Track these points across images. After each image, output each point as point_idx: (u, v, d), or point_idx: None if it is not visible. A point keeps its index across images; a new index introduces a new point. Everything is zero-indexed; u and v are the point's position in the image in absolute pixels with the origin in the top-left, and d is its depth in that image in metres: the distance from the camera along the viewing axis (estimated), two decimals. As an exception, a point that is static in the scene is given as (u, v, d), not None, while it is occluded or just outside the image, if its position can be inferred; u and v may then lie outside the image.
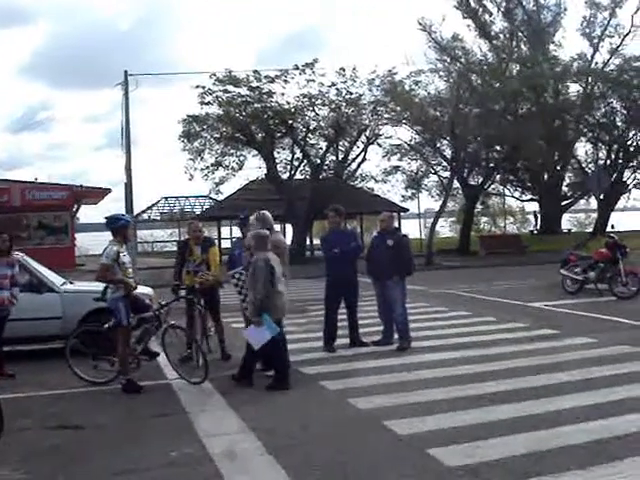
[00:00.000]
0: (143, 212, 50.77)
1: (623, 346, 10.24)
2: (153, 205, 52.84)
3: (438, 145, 35.06)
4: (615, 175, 38.76)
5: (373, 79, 33.12)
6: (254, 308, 8.50)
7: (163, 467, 5.86)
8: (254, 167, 35.55)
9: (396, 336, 10.99)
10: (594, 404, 7.18)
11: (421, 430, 6.52)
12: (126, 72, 27.04)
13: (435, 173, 36.87)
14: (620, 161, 40.02)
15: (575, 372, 8.69)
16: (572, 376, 8.48)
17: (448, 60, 38.15)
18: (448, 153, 35.21)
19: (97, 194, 35.13)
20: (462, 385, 8.20)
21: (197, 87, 32.23)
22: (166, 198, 53.41)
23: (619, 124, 39.91)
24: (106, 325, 8.92)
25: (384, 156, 36.43)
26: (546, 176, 43.39)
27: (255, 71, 32.86)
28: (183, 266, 10.65)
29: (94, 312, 10.26)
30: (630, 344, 10.34)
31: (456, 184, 36.55)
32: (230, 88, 32.26)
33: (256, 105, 32.28)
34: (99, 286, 9.10)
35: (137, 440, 6.63)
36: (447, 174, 35.49)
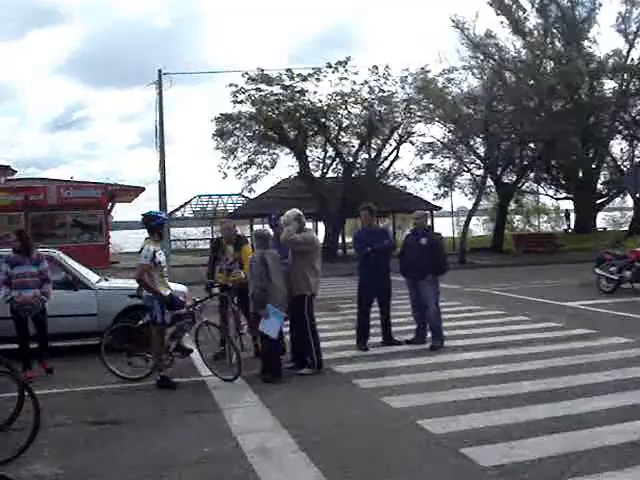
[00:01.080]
0: (176, 210, 51.09)
1: (660, 346, 10.11)
2: (187, 203, 53.15)
3: (471, 143, 34.83)
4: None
5: (406, 77, 33.06)
6: (256, 301, 8.93)
7: (197, 463, 5.90)
8: (287, 165, 35.76)
9: (429, 335, 10.95)
10: (631, 405, 7.09)
11: (455, 429, 6.49)
12: (160, 71, 27.25)
13: (468, 171, 36.65)
14: (657, 158, 39.47)
15: (611, 372, 8.58)
16: (608, 376, 8.38)
17: (481, 57, 37.83)
18: (481, 151, 34.99)
19: (131, 192, 35.40)
20: (496, 384, 8.15)
21: (230, 86, 32.46)
22: (199, 196, 53.69)
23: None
24: (140, 322, 9.01)
25: (416, 154, 36.38)
26: (580, 174, 42.89)
27: (288, 69, 33.04)
28: (216, 264, 10.72)
29: (129, 309, 10.36)
30: (668, 344, 10.20)
31: (489, 182, 36.30)
32: (263, 87, 32.40)
33: (288, 103, 32.37)
34: (134, 283, 9.18)
35: (171, 436, 6.69)
36: (480, 172, 35.26)
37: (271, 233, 9.84)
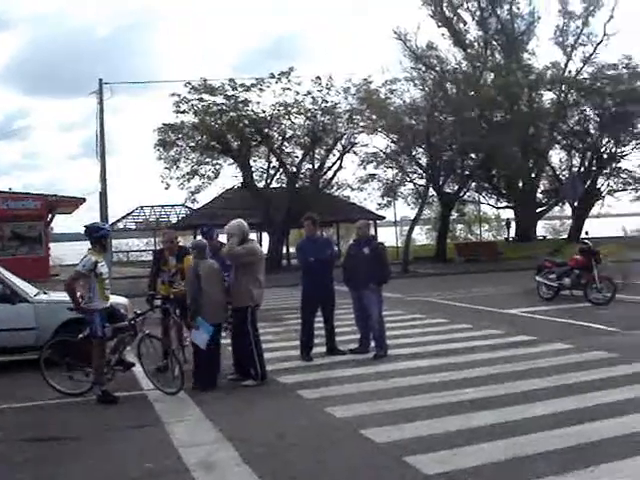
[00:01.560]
0: (118, 221, 50.44)
1: (598, 352, 10.31)
2: (129, 214, 52.52)
3: (414, 153, 35.15)
4: (589, 182, 39.16)
5: (349, 87, 33.26)
6: (190, 312, 9.03)
7: (140, 479, 5.79)
8: (230, 176, 35.55)
9: (373, 344, 10.98)
10: (570, 410, 7.21)
11: (399, 438, 6.51)
12: (101, 80, 26.95)
13: (411, 181, 36.99)
14: (594, 168, 40.43)
15: (551, 378, 8.73)
16: (549, 382, 8.52)
17: (423, 68, 38.37)
18: (423, 161, 35.33)
19: (72, 203, 34.81)
20: (439, 392, 8.21)
21: (172, 95, 32.21)
22: (142, 207, 53.12)
23: (592, 131, 40.35)
24: (80, 335, 8.83)
25: (360, 164, 36.52)
26: (521, 183, 43.70)
27: (231, 80, 32.92)
28: (158, 276, 10.59)
29: (69, 322, 10.15)
30: (605, 350, 10.41)
31: (432, 192, 36.68)
32: (206, 97, 32.24)
33: (232, 114, 32.26)
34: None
35: (114, 452, 6.55)
36: (423, 182, 35.63)
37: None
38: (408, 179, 36.83)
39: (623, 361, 9.58)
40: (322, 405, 7.88)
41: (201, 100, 32.26)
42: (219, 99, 32.34)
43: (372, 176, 36.89)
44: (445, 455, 5.96)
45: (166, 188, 34.59)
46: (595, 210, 42.88)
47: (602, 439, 6.20)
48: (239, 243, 9.29)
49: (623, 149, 40.41)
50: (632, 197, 41.98)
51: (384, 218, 39.80)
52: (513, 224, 48.19)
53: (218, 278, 9.20)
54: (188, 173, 34.24)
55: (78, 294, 8.71)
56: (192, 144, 33.71)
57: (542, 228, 52.51)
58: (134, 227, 53.22)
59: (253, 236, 12.37)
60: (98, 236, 8.81)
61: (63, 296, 11.01)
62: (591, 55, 41.68)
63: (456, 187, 38.12)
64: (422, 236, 51.38)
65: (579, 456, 5.79)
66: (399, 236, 40.24)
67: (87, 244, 8.91)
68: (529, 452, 5.92)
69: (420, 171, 35.87)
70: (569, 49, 42.22)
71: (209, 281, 9.02)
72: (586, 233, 23.87)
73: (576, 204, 34.34)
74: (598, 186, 40.89)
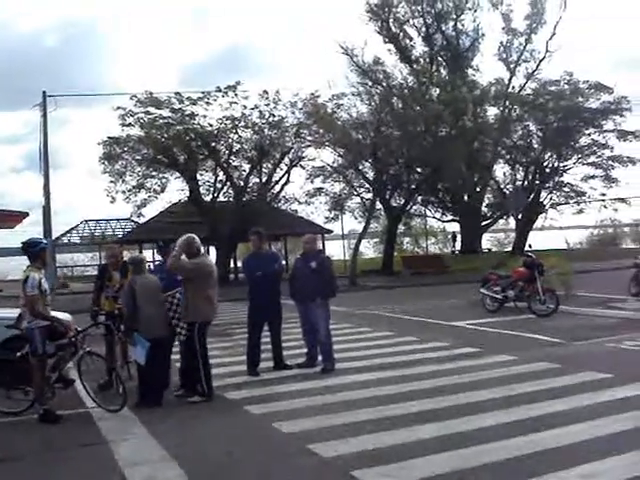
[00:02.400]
0: (63, 235, 49.56)
1: (542, 363, 10.47)
2: (73, 228, 51.68)
3: (360, 167, 35.35)
4: (532, 195, 39.92)
5: (296, 102, 33.28)
6: (125, 328, 8.98)
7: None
8: (177, 189, 35.18)
9: (320, 358, 10.96)
10: (515, 421, 7.30)
11: (345, 452, 6.49)
12: (44, 92, 26.59)
13: (358, 195, 37.20)
14: (537, 182, 41.25)
15: (496, 389, 8.82)
16: (494, 393, 8.60)
17: (370, 83, 38.62)
18: (370, 175, 35.54)
19: (14, 218, 33.97)
20: (386, 405, 8.22)
21: (118, 109, 31.84)
22: (87, 221, 52.35)
23: (535, 146, 41.23)
24: (19, 353, 8.59)
25: (307, 178, 36.65)
26: (466, 197, 44.28)
27: (177, 93, 32.67)
28: (102, 291, 10.41)
29: (8, 340, 9.86)
30: (549, 360, 10.58)
31: (379, 205, 36.94)
32: (151, 110, 31.92)
33: (178, 127, 32.00)
34: (12, 313, 8.79)
35: (56, 473, 6.41)
36: (370, 196, 35.82)
37: (155, 260, 9.70)
38: (355, 193, 37.06)
39: (567, 372, 9.74)
40: (269, 420, 7.82)
41: (147, 113, 31.94)
42: (165, 112, 32.07)
43: (319, 190, 37.03)
44: (392, 468, 5.96)
45: (111, 202, 34.07)
46: (538, 223, 43.77)
47: (546, 449, 6.28)
48: (189, 257, 9.20)
49: (565, 163, 41.37)
50: (574, 210, 42.93)
51: (332, 232, 39.86)
52: (459, 237, 48.76)
53: (155, 293, 9.07)
54: (134, 187, 33.80)
55: (18, 311, 8.51)
56: (138, 157, 33.32)
57: (487, 241, 53.22)
58: (79, 241, 52.38)
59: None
60: (37, 251, 8.60)
61: (1, 313, 10.73)
62: (534, 71, 42.55)
63: (403, 201, 38.43)
64: (370, 249, 51.61)
65: (524, 467, 5.85)
66: (347, 250, 40.33)
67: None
68: (474, 464, 5.96)
69: (367, 185, 36.07)
70: (513, 65, 43.01)
71: (145, 296, 8.91)
72: (529, 246, 24.22)
73: (520, 217, 34.94)
74: (541, 199, 41.70)
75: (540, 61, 42.61)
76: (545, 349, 11.91)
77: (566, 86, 38.88)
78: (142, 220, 37.84)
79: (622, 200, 41.98)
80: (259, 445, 7.03)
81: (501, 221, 47.64)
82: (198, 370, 9.06)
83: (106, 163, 33.31)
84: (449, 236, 52.46)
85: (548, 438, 6.60)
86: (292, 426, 7.51)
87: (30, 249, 8.59)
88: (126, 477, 6.11)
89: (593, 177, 41.02)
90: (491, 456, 6.13)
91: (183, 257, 9.24)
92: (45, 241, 9.54)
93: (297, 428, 7.43)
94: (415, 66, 42.15)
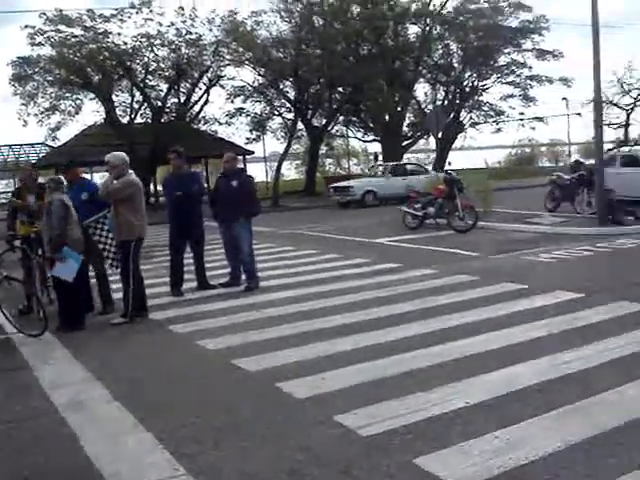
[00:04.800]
0: (-28, 163, 47.65)
1: (460, 275, 10.76)
2: (-18, 155, 49.65)
3: (281, 87, 34.95)
4: (452, 115, 40.23)
5: (213, 19, 32.41)
6: (53, 245, 8.59)
7: (8, 422, 5.60)
8: (92, 111, 34.17)
9: (244, 277, 10.98)
10: (434, 331, 7.50)
11: (270, 366, 6.57)
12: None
13: (279, 115, 36.86)
14: (457, 101, 41.54)
15: (417, 301, 9.04)
16: (413, 306, 8.81)
17: (290, 1, 37.84)
18: (292, 95, 35.20)
19: None
20: (309, 320, 8.33)
21: (26, 27, 30.41)
22: (-1, 146, 50.31)
23: (456, 65, 41.34)
24: None
25: (227, 98, 36.04)
26: (387, 117, 44.30)
27: (89, 10, 31.41)
28: (17, 215, 10.10)
29: None
30: (467, 273, 10.89)
31: (300, 126, 36.72)
32: (62, 28, 30.61)
33: (91, 46, 30.81)
34: None
35: (-24, 397, 6.30)
36: (291, 116, 35.53)
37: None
38: (276, 113, 36.68)
39: (483, 283, 10.05)
40: (194, 339, 7.84)
41: (58, 32, 30.63)
42: (77, 31, 30.80)
43: (240, 110, 36.50)
44: (314, 380, 6.07)
45: (24, 125, 32.93)
46: (458, 143, 44.30)
47: (465, 356, 6.50)
48: (115, 177, 9.00)
49: (485, 82, 41.73)
50: (493, 129, 43.58)
51: (253, 153, 39.51)
52: (380, 157, 48.98)
53: (69, 212, 8.80)
54: (47, 109, 32.62)
55: None
56: (50, 78, 32.04)
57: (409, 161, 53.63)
58: (-11, 168, 50.41)
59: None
60: None
61: None
62: (454, -11, 42.26)
63: (324, 121, 38.26)
64: (292, 171, 51.52)
65: (442, 373, 6.04)
66: (269, 171, 40.14)
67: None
68: (395, 372, 6.12)
69: (288, 105, 35.75)
70: (433, -17, 42.61)
71: (70, 215, 8.69)
72: (449, 164, 24.60)
73: (440, 136, 35.26)
74: (461, 119, 42.11)
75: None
76: (464, 263, 12.21)
77: (486, 4, 38.89)
78: (57, 144, 36.69)
79: (539, 119, 42.84)
80: (184, 363, 7.05)
81: (422, 141, 47.97)
82: (127, 292, 8.96)
83: (16, 85, 31.99)
84: (371, 156, 52.65)
85: (464, 346, 6.81)
86: (217, 343, 7.56)
87: None
88: (50, 399, 6.05)
89: (512, 96, 41.63)
90: (411, 364, 6.30)
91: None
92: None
93: (222, 345, 7.47)
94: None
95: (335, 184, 30.58)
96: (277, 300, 9.72)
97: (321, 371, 6.26)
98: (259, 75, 34.73)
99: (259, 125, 36.64)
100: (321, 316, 8.51)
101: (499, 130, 43.42)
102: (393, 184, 27.56)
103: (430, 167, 34.85)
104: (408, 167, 31.31)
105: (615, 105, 47.93)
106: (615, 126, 48.92)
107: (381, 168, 31.06)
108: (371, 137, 47.74)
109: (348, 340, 7.30)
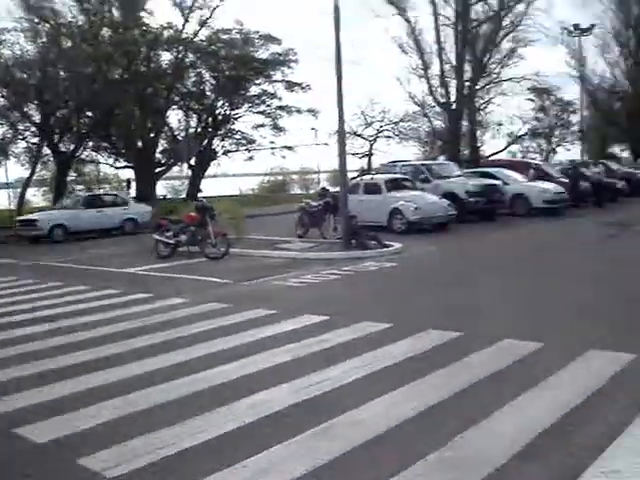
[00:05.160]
0: None
1: (213, 303, 10.82)
2: None
3: (25, 109, 33.16)
4: (205, 143, 40.49)
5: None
6: None
7: None
8: None
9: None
10: (182, 361, 7.44)
11: (5, 411, 6.13)
12: None
13: (24, 139, 34.91)
14: (210, 129, 41.87)
15: (166, 332, 8.90)
16: (163, 337, 8.68)
17: (36, 20, 36.13)
18: (37, 118, 33.52)
19: None
20: (51, 358, 7.89)
21: None
22: None
23: (209, 94, 41.68)
24: None
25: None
26: (140, 143, 43.63)
27: None
28: None
29: None
30: (217, 301, 10.97)
31: (47, 151, 35.07)
32: None
33: None
34: None
35: None
36: (36, 140, 33.87)
37: None
38: (20, 137, 34.71)
39: (234, 311, 10.17)
40: None
41: None
42: None
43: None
44: (57, 421, 5.76)
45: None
46: (211, 170, 44.64)
47: (213, 385, 6.52)
48: None
49: (237, 111, 42.45)
50: (245, 157, 44.46)
51: (-6, 179, 36.97)
52: (134, 184, 48.01)
53: None
54: None
55: None
56: None
57: (163, 188, 53.11)
58: None
59: None
60: None
61: None
62: (207, 19, 42.69)
63: (72, 146, 36.83)
64: (39, 198, 49.03)
65: (193, 404, 6.00)
66: (14, 199, 37.73)
67: None
68: (143, 407, 5.99)
69: (33, 128, 34.01)
70: (187, 11, 42.76)
71: None
72: (199, 191, 24.66)
73: (193, 163, 35.37)
74: (214, 147, 42.49)
75: (214, 9, 42.78)
76: (216, 290, 12.27)
77: (237, 35, 39.72)
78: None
79: (289, 148, 44.39)
80: None
81: (176, 168, 47.75)
82: None
83: None
84: (124, 183, 51.47)
85: (216, 375, 6.83)
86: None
87: None
88: None
89: (263, 125, 42.69)
90: (159, 398, 6.19)
91: None
92: None
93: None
94: (86, 5, 40.18)
95: (21, 217, 27.65)
96: (16, 338, 9.07)
97: (64, 412, 5.95)
98: (1, 97, 32.70)
99: (1, 150, 34.41)
100: (66, 352, 8.09)
101: (251, 158, 44.29)
102: (87, 217, 25.67)
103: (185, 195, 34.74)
104: (106, 198, 29.10)
105: (359, 136, 51.25)
106: (360, 155, 52.27)
107: (69, 200, 29.16)
108: (123, 163, 46.75)
109: (93, 377, 6.99)
